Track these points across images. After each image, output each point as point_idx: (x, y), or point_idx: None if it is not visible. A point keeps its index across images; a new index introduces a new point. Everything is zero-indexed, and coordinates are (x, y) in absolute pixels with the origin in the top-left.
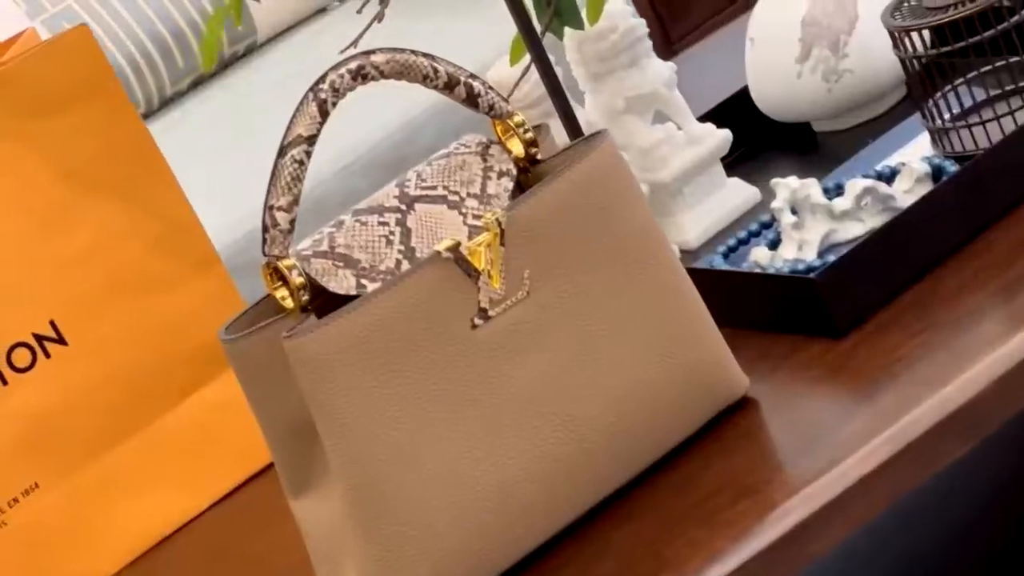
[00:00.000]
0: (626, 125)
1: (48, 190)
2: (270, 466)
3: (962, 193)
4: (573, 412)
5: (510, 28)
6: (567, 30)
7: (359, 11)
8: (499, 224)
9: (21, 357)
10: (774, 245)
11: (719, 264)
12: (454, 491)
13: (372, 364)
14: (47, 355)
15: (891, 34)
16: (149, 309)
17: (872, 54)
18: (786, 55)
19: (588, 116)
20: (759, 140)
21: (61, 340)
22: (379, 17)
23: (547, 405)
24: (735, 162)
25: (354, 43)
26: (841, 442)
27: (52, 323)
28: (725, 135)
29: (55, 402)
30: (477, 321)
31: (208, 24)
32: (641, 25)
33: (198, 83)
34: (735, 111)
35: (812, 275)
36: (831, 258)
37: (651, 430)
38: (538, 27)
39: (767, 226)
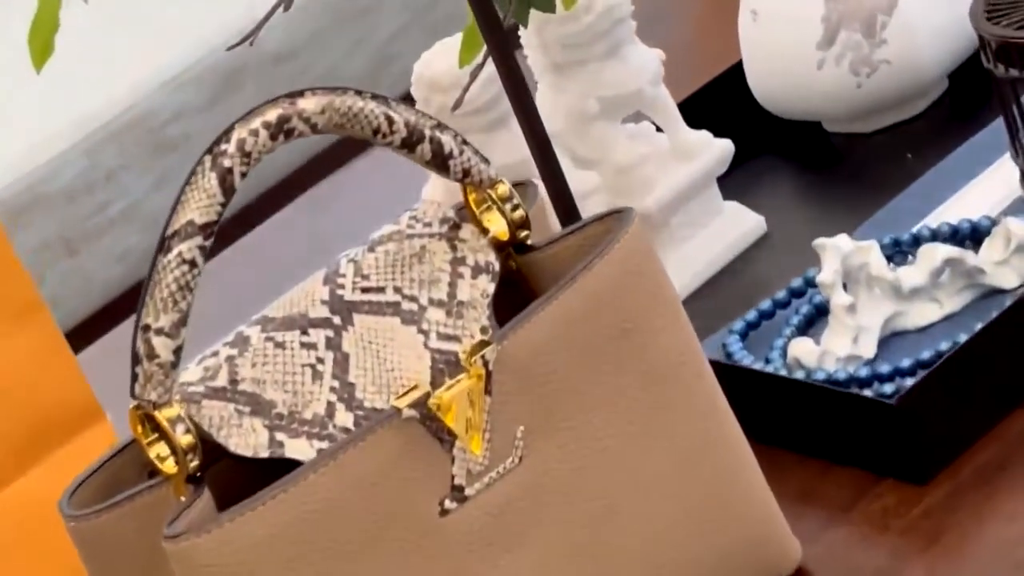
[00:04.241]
0: (599, 134)
1: None
2: None
3: None
4: None
5: None
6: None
7: None
8: (484, 364)
9: None
10: (807, 324)
11: (737, 351)
12: None
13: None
14: None
15: (985, 44)
16: None
17: (916, 42)
18: (803, 38)
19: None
20: (753, 138)
21: None
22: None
23: None
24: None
25: (253, 35)
26: None
27: None
28: (725, 148)
29: None
30: (449, 504)
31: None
32: (625, 3)
33: None
34: (719, 96)
35: (891, 400)
36: (904, 362)
37: None
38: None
39: (797, 294)
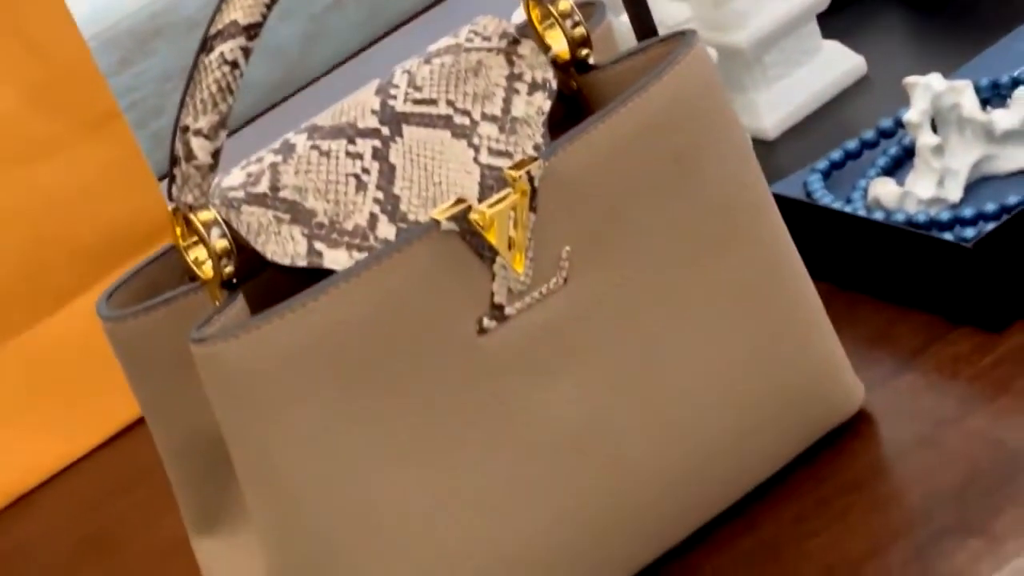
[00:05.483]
0: None
1: None
2: None
3: None
4: (622, 452)
5: None
6: None
7: None
8: (530, 180)
9: None
10: (894, 165)
11: (818, 190)
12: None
13: (325, 389)
14: None
15: None
16: (18, 183)
17: None
18: None
19: None
20: None
21: None
22: None
23: (584, 445)
24: (825, 12)
25: None
26: None
27: None
28: None
29: None
30: (487, 323)
31: None
32: None
33: None
34: None
35: (967, 242)
36: (988, 206)
37: (728, 469)
38: None
39: (887, 134)
